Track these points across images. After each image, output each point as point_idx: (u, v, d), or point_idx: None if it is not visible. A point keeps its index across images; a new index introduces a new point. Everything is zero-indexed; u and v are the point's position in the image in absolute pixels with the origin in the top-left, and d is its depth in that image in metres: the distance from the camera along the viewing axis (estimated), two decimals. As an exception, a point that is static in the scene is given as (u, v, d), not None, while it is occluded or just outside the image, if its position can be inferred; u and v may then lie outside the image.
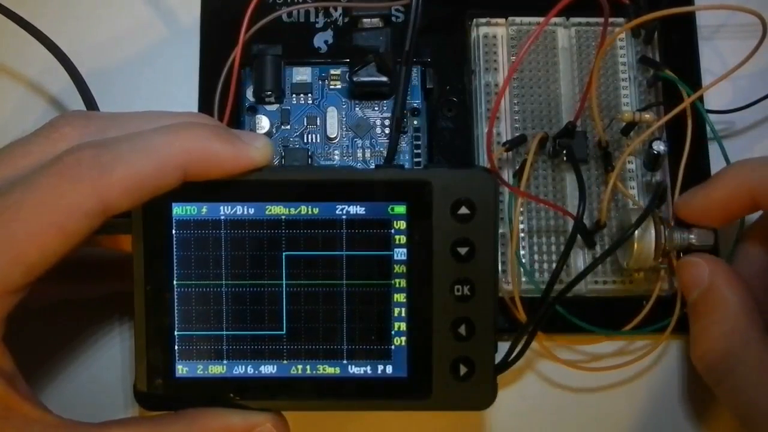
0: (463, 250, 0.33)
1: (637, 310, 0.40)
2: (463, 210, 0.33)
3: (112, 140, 0.30)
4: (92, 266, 0.38)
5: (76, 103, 0.40)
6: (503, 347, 0.36)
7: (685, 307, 0.39)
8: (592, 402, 0.42)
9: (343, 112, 0.43)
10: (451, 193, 0.33)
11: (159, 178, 0.30)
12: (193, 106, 0.42)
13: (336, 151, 0.42)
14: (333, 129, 0.42)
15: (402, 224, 0.33)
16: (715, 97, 0.41)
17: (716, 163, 0.42)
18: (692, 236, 0.39)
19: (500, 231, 0.41)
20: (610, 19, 0.37)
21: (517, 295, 0.39)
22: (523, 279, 0.40)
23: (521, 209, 0.41)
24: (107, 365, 0.41)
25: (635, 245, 0.38)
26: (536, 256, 0.41)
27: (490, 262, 0.33)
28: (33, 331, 0.39)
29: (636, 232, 0.37)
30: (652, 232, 0.38)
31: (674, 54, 0.43)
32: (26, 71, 0.44)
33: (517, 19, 0.43)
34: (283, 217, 0.33)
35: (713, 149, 0.42)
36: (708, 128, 0.41)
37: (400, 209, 0.33)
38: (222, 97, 0.40)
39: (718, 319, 0.36)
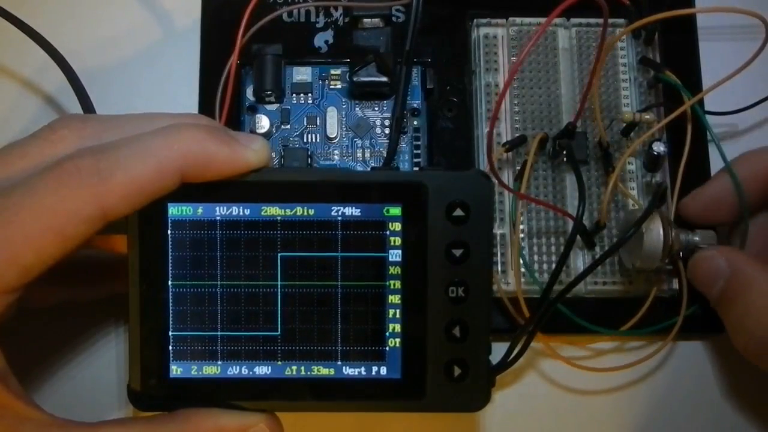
0: (457, 252, 0.33)
1: (637, 311, 0.40)
2: (458, 212, 0.33)
3: (111, 145, 0.30)
4: (89, 269, 0.39)
5: (72, 103, 0.40)
6: (503, 347, 0.36)
7: (689, 309, 0.39)
8: (593, 404, 0.41)
9: (343, 112, 0.43)
10: (446, 195, 0.33)
11: (157, 183, 0.30)
12: (193, 106, 0.42)
13: (336, 151, 0.42)
14: (333, 129, 0.42)
15: (397, 226, 0.33)
16: (716, 99, 0.41)
17: (716, 164, 0.42)
18: (696, 237, 0.39)
19: (501, 232, 0.41)
20: (611, 20, 0.37)
21: (521, 296, 0.39)
22: (523, 280, 0.40)
23: (521, 210, 0.41)
24: (103, 366, 0.41)
25: (644, 245, 0.38)
26: (536, 257, 0.41)
27: (485, 264, 0.33)
28: (30, 332, 0.40)
29: (645, 232, 0.37)
30: (661, 232, 0.38)
31: (675, 55, 0.43)
32: (22, 70, 0.45)
33: (518, 20, 0.43)
34: (279, 218, 0.33)
35: (713, 150, 0.42)
36: (715, 129, 0.41)
37: (396, 211, 0.33)
38: (223, 97, 0.40)
39: (756, 298, 0.36)
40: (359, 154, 0.42)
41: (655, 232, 0.38)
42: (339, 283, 0.33)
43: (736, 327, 0.37)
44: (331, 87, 0.43)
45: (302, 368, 0.33)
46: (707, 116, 0.41)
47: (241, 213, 0.33)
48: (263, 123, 0.42)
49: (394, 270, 0.33)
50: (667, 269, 0.40)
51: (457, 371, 0.33)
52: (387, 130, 0.42)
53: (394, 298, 0.33)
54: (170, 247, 0.33)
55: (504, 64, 0.43)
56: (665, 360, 0.42)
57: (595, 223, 0.40)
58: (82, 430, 0.31)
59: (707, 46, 0.44)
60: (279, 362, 0.33)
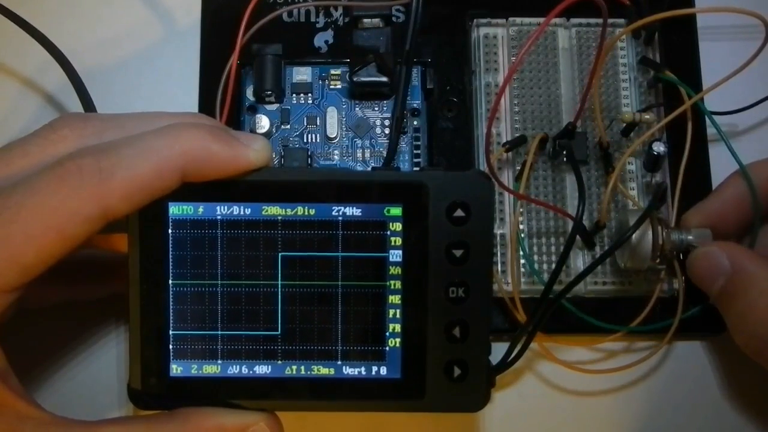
0: (458, 253, 0.33)
1: (636, 311, 0.40)
2: (459, 213, 0.33)
3: (112, 145, 0.30)
4: (89, 269, 0.39)
5: (73, 101, 0.40)
6: (503, 347, 0.36)
7: (687, 311, 0.39)
8: (593, 404, 0.41)
9: (343, 112, 0.43)
10: (447, 196, 0.33)
11: (158, 182, 0.30)
12: (193, 106, 0.42)
13: (336, 151, 0.42)
14: (333, 129, 0.42)
15: (398, 226, 0.33)
16: (716, 99, 0.41)
17: (716, 165, 0.42)
18: (690, 237, 0.38)
19: (501, 232, 0.41)
20: (611, 20, 0.37)
21: (517, 296, 0.39)
22: (523, 280, 0.40)
23: (521, 210, 0.41)
24: (103, 366, 0.41)
25: (633, 246, 0.38)
26: (536, 257, 0.41)
27: (485, 264, 0.33)
28: (30, 332, 0.40)
29: (634, 233, 0.37)
30: (650, 233, 0.38)
31: (675, 55, 0.43)
32: (23, 69, 0.45)
33: (518, 20, 0.43)
34: (280, 217, 0.33)
35: (713, 150, 0.42)
36: (715, 129, 0.40)
37: (396, 211, 0.33)
38: (223, 97, 0.40)
39: (757, 296, 0.35)
40: (359, 154, 0.42)
41: (645, 232, 0.38)
42: (339, 282, 0.33)
43: (737, 324, 0.36)
44: (331, 87, 0.43)
45: (302, 368, 0.33)
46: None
47: (241, 212, 0.33)
48: (263, 123, 0.42)
49: (394, 270, 0.33)
50: (662, 269, 0.40)
51: (456, 371, 0.33)
52: (387, 130, 0.42)
53: (395, 298, 0.33)
54: (171, 246, 0.33)
55: (504, 64, 0.43)
56: (665, 360, 0.42)
57: (595, 223, 0.40)
58: (82, 429, 0.31)
59: (707, 46, 0.44)
60: (279, 362, 0.33)
